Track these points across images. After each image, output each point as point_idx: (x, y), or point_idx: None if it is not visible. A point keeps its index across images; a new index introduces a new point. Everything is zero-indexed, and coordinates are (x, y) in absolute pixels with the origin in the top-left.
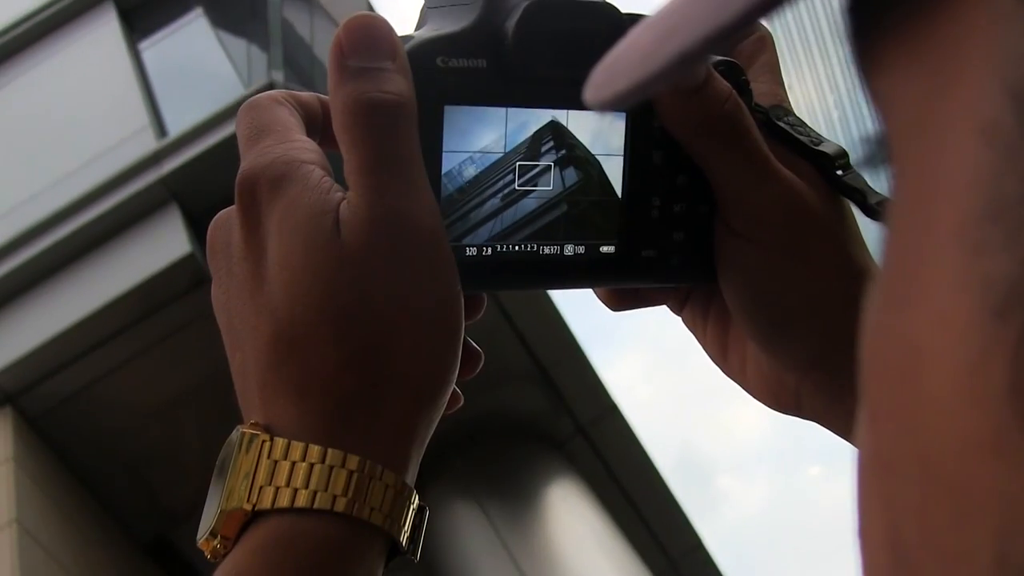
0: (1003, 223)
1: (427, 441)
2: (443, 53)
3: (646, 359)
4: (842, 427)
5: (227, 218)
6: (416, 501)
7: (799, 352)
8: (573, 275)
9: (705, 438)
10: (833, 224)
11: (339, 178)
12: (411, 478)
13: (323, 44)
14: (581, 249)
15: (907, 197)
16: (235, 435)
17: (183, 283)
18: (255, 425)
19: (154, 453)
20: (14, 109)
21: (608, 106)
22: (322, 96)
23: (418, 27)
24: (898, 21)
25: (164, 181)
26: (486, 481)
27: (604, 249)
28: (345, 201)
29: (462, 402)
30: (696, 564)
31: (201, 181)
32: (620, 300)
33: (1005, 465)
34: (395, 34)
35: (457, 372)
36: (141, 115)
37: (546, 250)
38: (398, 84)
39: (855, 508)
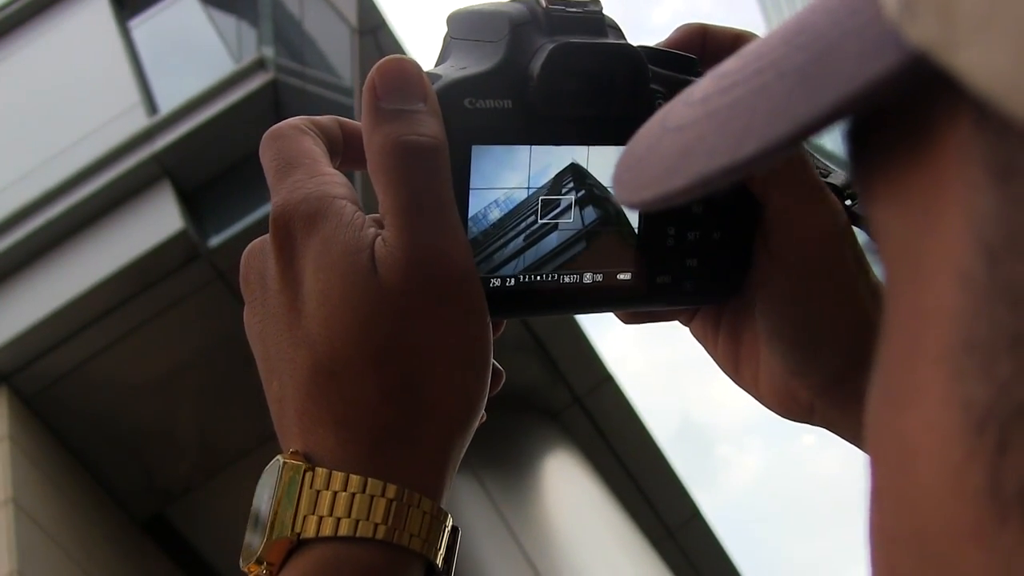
0: (977, 357)
1: (459, 465)
2: (470, 94)
3: (637, 329)
4: (853, 436)
5: (260, 249)
6: (450, 524)
7: (824, 370)
8: (592, 301)
9: (699, 408)
10: (854, 249)
11: (367, 205)
12: (445, 502)
13: (313, 20)
14: (600, 277)
15: (900, 315)
16: (276, 463)
17: (176, 259)
18: (295, 455)
19: (150, 430)
20: (5, 88)
21: (634, 207)
22: (340, 119)
23: (441, 57)
24: (888, 168)
25: (156, 158)
26: (482, 451)
27: (621, 276)
28: (380, 238)
29: (485, 418)
30: (694, 533)
31: (193, 157)
32: (632, 316)
33: (983, 551)
34: (425, 76)
35: (486, 398)
36: (132, 92)
37: (567, 279)
38: (432, 126)
39: (868, 570)
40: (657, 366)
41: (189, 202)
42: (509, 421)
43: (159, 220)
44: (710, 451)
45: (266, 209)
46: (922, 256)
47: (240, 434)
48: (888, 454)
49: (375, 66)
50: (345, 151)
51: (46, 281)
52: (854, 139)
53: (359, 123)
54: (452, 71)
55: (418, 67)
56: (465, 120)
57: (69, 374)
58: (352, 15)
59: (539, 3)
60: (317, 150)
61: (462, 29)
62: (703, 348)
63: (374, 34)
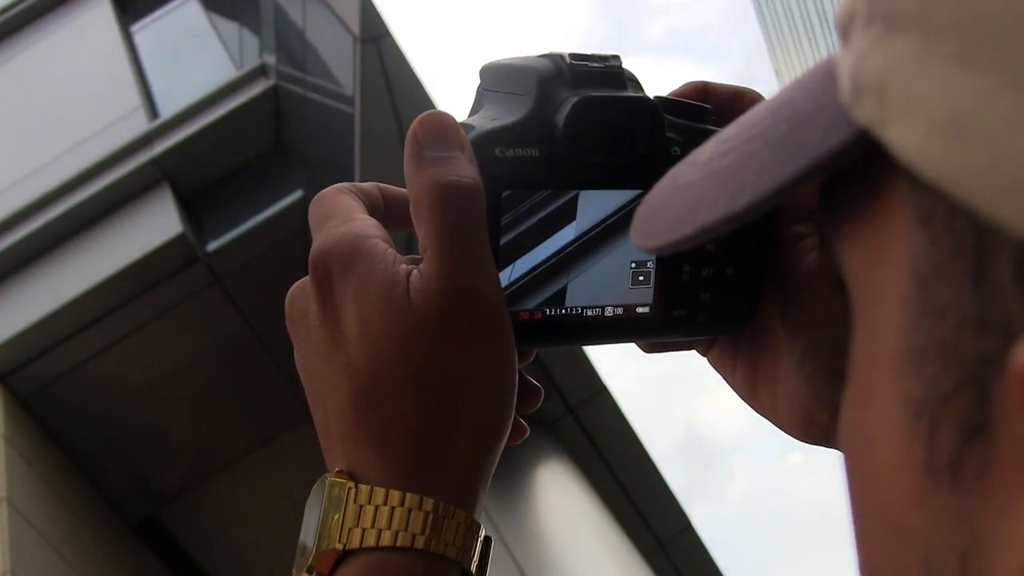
0: (914, 361)
1: (491, 478)
2: (501, 144)
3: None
4: None
5: (302, 290)
6: (483, 534)
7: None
8: (612, 333)
9: (703, 420)
10: None
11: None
12: (478, 514)
13: (315, 28)
14: (620, 311)
15: (861, 332)
16: (323, 481)
17: (174, 263)
18: (340, 473)
19: (145, 433)
20: (7, 91)
21: (648, 251)
22: (380, 185)
23: (474, 109)
24: (850, 215)
25: (156, 162)
26: None
27: (640, 310)
28: (416, 271)
29: (528, 433)
30: (685, 545)
31: (192, 162)
32: (652, 346)
33: (925, 511)
34: (461, 128)
35: (513, 417)
36: (133, 97)
37: (588, 313)
38: (470, 170)
39: (855, 552)
40: (659, 378)
41: (188, 206)
42: None
43: (158, 224)
44: (712, 463)
45: (264, 215)
46: (875, 284)
47: (234, 439)
48: (855, 446)
49: (417, 119)
50: (386, 212)
51: (44, 282)
52: (825, 194)
53: (398, 188)
54: (484, 122)
55: (454, 120)
56: (496, 167)
57: (65, 375)
58: (355, 24)
59: (564, 59)
60: (354, 203)
61: (494, 82)
62: (721, 376)
63: (376, 43)
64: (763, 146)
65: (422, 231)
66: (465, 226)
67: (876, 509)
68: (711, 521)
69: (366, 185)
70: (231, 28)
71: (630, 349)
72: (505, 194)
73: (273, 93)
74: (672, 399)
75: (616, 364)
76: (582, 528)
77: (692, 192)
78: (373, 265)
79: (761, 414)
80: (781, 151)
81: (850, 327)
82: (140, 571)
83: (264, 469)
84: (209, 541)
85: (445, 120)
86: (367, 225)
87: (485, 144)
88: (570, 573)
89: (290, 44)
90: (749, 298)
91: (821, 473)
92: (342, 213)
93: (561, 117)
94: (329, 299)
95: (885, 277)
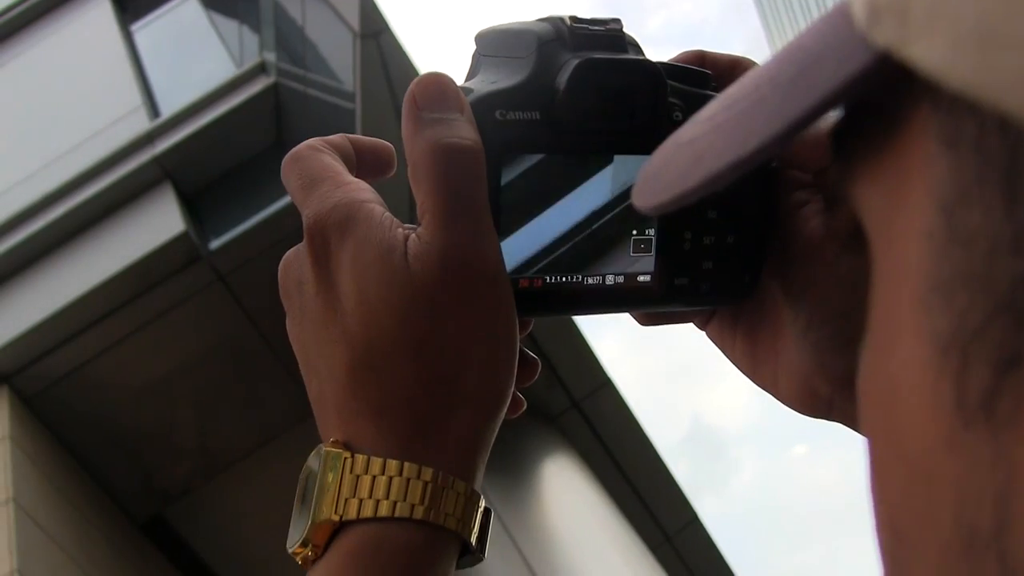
0: (941, 295)
1: (490, 449)
2: (501, 106)
3: (628, 335)
4: None
5: (295, 258)
6: (483, 505)
7: (853, 364)
8: (613, 302)
9: (710, 411)
10: None
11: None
12: (478, 485)
13: (315, 25)
14: (620, 279)
15: (881, 276)
16: (318, 452)
17: (177, 262)
18: (336, 443)
19: (149, 432)
20: (7, 91)
21: (652, 212)
22: (349, 136)
23: (471, 74)
24: (866, 152)
25: (157, 161)
26: None
27: (641, 279)
28: (414, 236)
29: (525, 406)
30: (691, 538)
31: (194, 160)
32: (649, 318)
33: (956, 456)
34: (460, 89)
35: (513, 388)
36: (134, 96)
37: (590, 281)
38: (470, 132)
39: (871, 511)
40: (664, 370)
41: (190, 205)
42: (506, 425)
43: (160, 223)
44: (720, 453)
45: (266, 212)
46: (896, 223)
47: (239, 436)
48: (878, 396)
49: (415, 80)
50: (359, 165)
51: (47, 282)
52: (837, 135)
53: (368, 138)
54: (483, 85)
55: (453, 81)
56: (496, 130)
57: (70, 375)
58: (355, 20)
59: (564, 22)
60: (337, 165)
61: (491, 47)
62: (720, 350)
63: (376, 39)
64: (771, 91)
65: (420, 194)
66: (465, 189)
67: (900, 463)
68: (718, 512)
69: (335, 138)
70: (231, 26)
71: (634, 341)
72: (506, 158)
73: (274, 90)
74: (678, 390)
75: (620, 357)
76: (588, 522)
77: (696, 146)
78: (371, 231)
79: (762, 388)
80: (792, 90)
81: (867, 278)
82: (146, 569)
83: (269, 466)
84: (215, 538)
85: (444, 81)
86: (361, 189)
87: (485, 106)
88: (576, 567)
89: (290, 41)
90: (751, 267)
91: (824, 465)
92: (331, 176)
93: (562, 79)
94: (325, 266)
95: (907, 213)
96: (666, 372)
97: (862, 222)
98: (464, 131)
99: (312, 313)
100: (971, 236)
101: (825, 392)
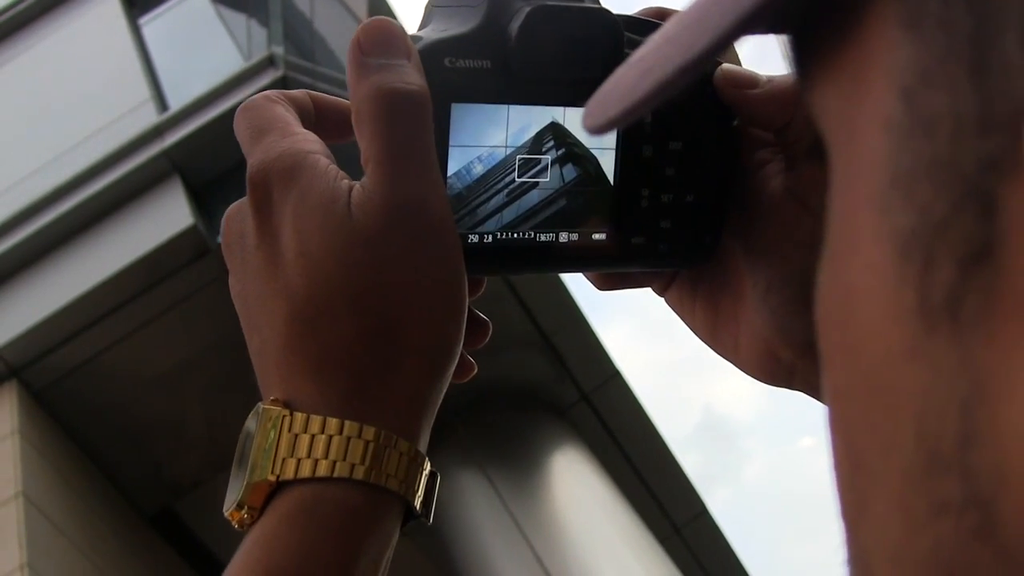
0: (901, 188)
1: (436, 409)
2: (451, 53)
3: (635, 325)
4: None
5: (238, 211)
6: (428, 467)
7: (813, 328)
8: (568, 261)
9: (721, 401)
10: None
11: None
12: (423, 445)
13: (323, 18)
14: (575, 237)
15: (838, 180)
16: (256, 410)
17: (186, 255)
18: (275, 401)
19: (158, 425)
20: (16, 85)
21: (602, 130)
22: (312, 92)
23: (423, 25)
24: (823, 53)
25: (166, 154)
26: (490, 448)
27: (596, 236)
28: (358, 186)
29: (476, 371)
30: (700, 530)
31: (203, 154)
32: (606, 281)
33: (918, 365)
34: (408, 36)
35: (462, 344)
36: (142, 89)
37: (543, 237)
38: (417, 78)
39: (829, 446)
40: (675, 358)
41: (199, 198)
42: (516, 418)
43: (169, 216)
44: (732, 444)
45: None
46: (855, 121)
47: None
48: (835, 309)
49: (360, 25)
50: (318, 122)
51: (56, 276)
52: (794, 42)
53: (333, 97)
54: (433, 33)
55: (401, 27)
56: (445, 78)
57: (79, 368)
58: (363, 12)
59: None
60: (288, 116)
61: None
62: (679, 316)
63: None
64: None
65: (364, 142)
66: (410, 136)
67: (859, 381)
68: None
69: (296, 93)
70: (239, 19)
71: (643, 332)
72: (455, 107)
73: (282, 84)
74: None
75: (629, 348)
76: (598, 514)
77: (645, 61)
78: (314, 180)
79: (722, 355)
80: None
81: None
82: (156, 562)
83: None
84: (224, 531)
85: (390, 27)
86: (307, 140)
87: (433, 53)
88: (586, 559)
89: (298, 34)
90: (711, 228)
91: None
92: (279, 127)
93: (514, 27)
94: (268, 218)
95: (866, 108)
96: (676, 362)
97: (821, 132)
98: (410, 76)
99: (253, 266)
100: (934, 119)
101: (786, 358)
